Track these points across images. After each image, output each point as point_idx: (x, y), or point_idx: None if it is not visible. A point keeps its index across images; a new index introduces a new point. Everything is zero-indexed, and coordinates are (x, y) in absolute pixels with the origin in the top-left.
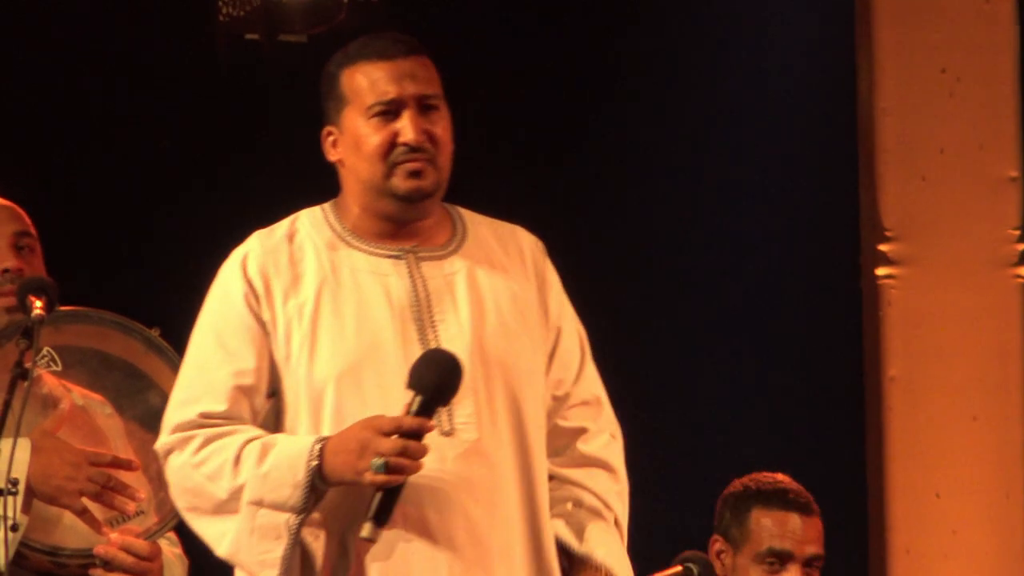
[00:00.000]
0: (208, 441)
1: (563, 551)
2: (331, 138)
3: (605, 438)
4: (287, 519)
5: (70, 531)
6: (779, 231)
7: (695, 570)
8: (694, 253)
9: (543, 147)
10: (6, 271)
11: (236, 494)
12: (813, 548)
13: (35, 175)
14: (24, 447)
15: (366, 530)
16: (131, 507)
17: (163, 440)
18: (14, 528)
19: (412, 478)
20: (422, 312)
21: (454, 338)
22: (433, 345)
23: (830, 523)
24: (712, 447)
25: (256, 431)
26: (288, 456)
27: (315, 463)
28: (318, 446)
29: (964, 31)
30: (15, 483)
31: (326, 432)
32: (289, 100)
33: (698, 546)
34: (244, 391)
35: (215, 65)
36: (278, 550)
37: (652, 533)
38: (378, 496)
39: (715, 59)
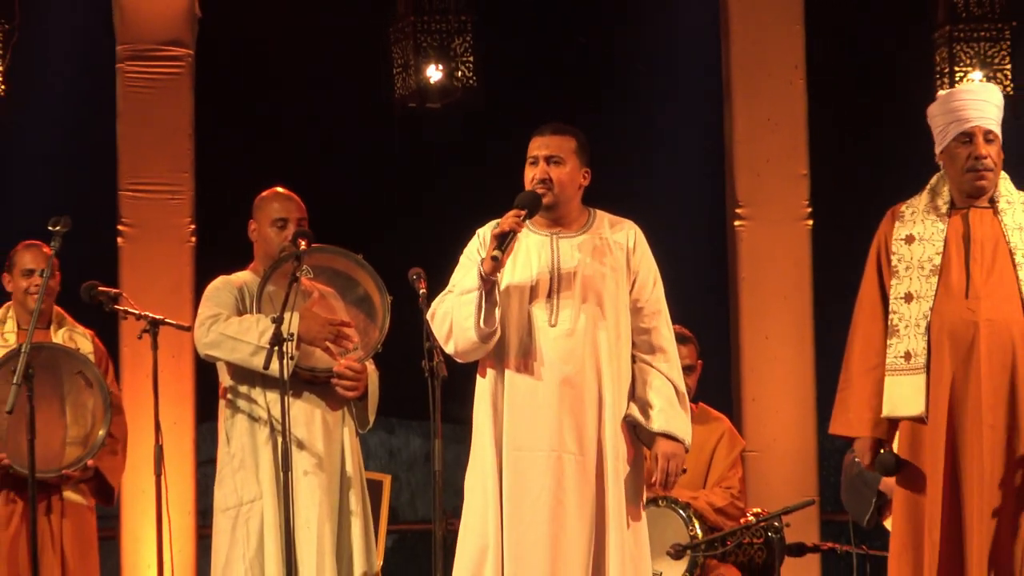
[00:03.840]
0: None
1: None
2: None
3: (664, 332)
4: (475, 294)
5: (320, 359)
6: (692, 201)
7: None
8: (634, 196)
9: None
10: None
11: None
12: (687, 361)
13: (320, 193)
14: (296, 316)
15: (496, 253)
16: (350, 346)
17: (430, 312)
18: (292, 358)
19: (539, 351)
20: (553, 268)
21: (570, 280)
22: (556, 287)
23: (713, 349)
24: None
25: None
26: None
27: (479, 262)
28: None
29: (779, 98)
30: (292, 335)
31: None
32: (437, 138)
33: None
34: None
35: (392, 120)
36: (472, 307)
37: None
38: (500, 240)
39: (648, 87)
